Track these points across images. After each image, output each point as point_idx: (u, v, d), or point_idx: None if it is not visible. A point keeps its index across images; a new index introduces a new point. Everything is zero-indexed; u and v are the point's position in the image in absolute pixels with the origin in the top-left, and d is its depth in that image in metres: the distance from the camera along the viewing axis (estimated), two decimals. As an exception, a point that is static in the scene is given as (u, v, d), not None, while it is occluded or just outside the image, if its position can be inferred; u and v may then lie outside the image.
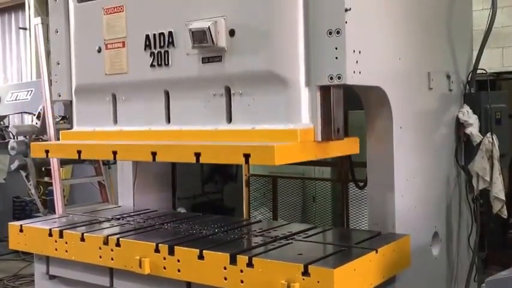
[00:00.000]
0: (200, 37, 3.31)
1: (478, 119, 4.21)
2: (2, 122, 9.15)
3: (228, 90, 3.38)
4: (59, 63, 4.22)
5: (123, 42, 3.79)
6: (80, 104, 4.14)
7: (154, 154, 3.39)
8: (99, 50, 3.92)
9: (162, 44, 3.59)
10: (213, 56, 3.37)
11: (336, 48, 3.05)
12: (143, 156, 3.52)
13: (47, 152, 4.06)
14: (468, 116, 4.20)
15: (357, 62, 3.11)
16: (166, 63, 3.58)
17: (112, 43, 3.85)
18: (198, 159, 3.18)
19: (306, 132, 3.12)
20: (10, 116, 10.55)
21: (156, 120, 3.68)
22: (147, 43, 3.65)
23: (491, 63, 7.13)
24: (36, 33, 7.46)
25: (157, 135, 3.63)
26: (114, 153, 3.62)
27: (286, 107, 3.18)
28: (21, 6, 14.79)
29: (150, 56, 3.65)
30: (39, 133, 7.49)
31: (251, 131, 3.25)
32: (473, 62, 4.45)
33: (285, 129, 3.14)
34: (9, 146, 7.45)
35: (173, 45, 3.55)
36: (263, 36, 3.20)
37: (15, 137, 7.80)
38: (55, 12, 4.22)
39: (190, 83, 3.51)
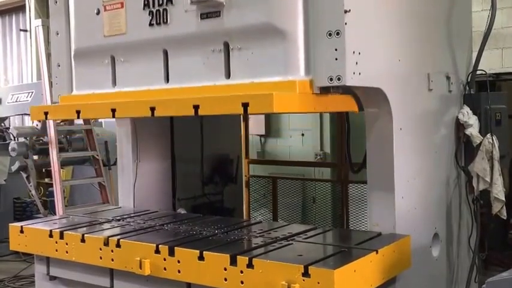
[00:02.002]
0: None
1: (478, 120, 4.21)
2: (2, 124, 9.14)
3: (226, 46, 3.39)
4: (59, 65, 4.24)
5: (122, 3, 3.80)
6: (79, 68, 4.15)
7: (153, 109, 3.41)
8: (98, 12, 3.92)
9: (160, 2, 3.60)
10: (212, 12, 3.39)
11: (336, 50, 3.06)
12: (142, 111, 3.52)
13: (46, 113, 4.07)
14: (468, 117, 4.20)
15: (356, 63, 3.12)
16: (165, 21, 3.59)
17: (111, 4, 3.86)
18: (196, 112, 3.19)
19: (304, 83, 3.13)
20: (11, 118, 10.55)
21: (155, 80, 3.70)
22: (146, 2, 3.67)
23: (490, 64, 7.13)
24: (36, 35, 7.47)
25: (156, 93, 3.64)
26: (113, 110, 3.64)
27: (284, 60, 3.19)
28: (21, 8, 14.79)
29: (149, 14, 3.66)
30: (40, 135, 7.50)
31: (250, 85, 3.27)
32: (473, 63, 4.45)
33: (284, 80, 3.15)
34: (9, 148, 7.46)
35: (171, 3, 3.56)
36: None
37: (16, 139, 7.81)
38: (56, 15, 4.24)
39: (188, 40, 3.52)
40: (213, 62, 3.44)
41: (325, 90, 3.17)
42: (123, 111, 3.67)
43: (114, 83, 3.95)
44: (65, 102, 4.18)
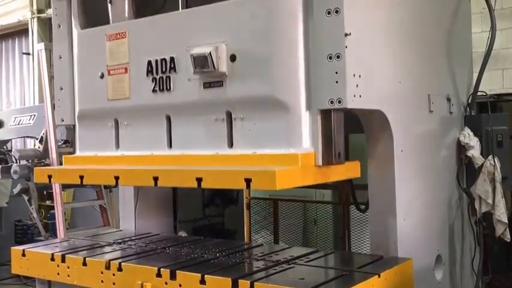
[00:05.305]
0: (201, 62, 3.35)
1: (479, 142, 4.21)
2: (4, 146, 9.17)
3: (229, 115, 3.40)
4: (62, 89, 4.26)
5: (126, 68, 3.83)
6: (83, 129, 4.17)
7: (156, 179, 3.40)
8: (102, 76, 3.95)
9: (163, 70, 3.62)
10: (214, 81, 3.40)
11: (336, 73, 3.07)
12: (145, 181, 3.52)
13: (49, 177, 4.07)
14: (469, 138, 4.20)
15: (357, 85, 3.13)
16: (168, 88, 3.61)
17: (115, 69, 3.88)
18: (199, 184, 3.19)
19: (307, 156, 3.13)
20: (13, 140, 10.58)
21: (157, 145, 3.70)
22: (149, 69, 3.69)
23: (491, 85, 7.14)
24: (39, 58, 7.53)
25: (159, 160, 3.64)
26: (116, 178, 3.63)
27: (287, 132, 3.19)
28: (24, 32, 14.91)
29: (152, 81, 3.68)
30: (42, 157, 7.51)
31: (252, 156, 3.26)
32: (474, 84, 4.46)
33: (286, 153, 3.15)
34: (11, 170, 7.47)
35: (175, 71, 3.58)
36: (264, 62, 3.22)
37: (18, 161, 7.82)
38: (58, 39, 4.27)
39: (191, 107, 3.53)
40: (215, 130, 3.44)
41: (327, 161, 3.15)
42: (126, 179, 3.67)
43: (118, 146, 3.95)
44: (68, 164, 4.18)
